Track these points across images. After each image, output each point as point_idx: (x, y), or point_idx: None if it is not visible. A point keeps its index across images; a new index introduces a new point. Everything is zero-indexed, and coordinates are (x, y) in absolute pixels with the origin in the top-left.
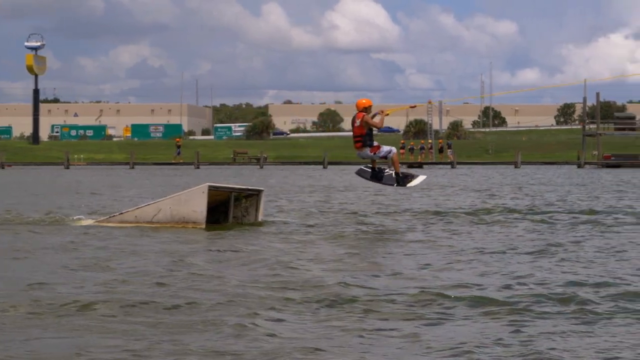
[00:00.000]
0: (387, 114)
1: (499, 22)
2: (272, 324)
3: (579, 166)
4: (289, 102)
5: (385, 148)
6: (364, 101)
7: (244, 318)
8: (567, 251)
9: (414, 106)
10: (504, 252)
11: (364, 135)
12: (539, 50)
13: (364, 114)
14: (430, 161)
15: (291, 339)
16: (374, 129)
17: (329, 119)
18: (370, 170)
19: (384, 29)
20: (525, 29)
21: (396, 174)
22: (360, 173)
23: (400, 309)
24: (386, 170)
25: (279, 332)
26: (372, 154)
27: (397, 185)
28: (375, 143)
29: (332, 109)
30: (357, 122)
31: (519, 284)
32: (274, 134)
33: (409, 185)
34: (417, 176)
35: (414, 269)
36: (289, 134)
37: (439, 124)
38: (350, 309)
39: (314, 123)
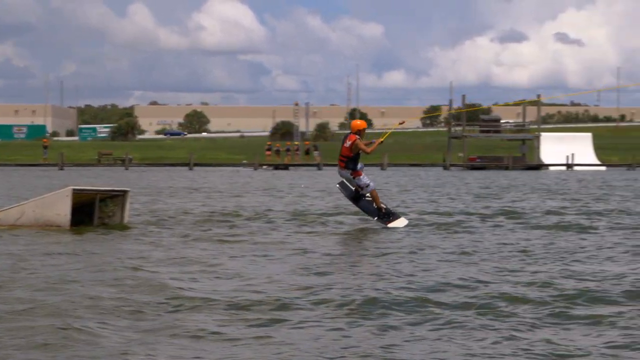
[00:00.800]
0: (381, 142)
1: (365, 25)
2: (93, 326)
3: (445, 168)
4: (155, 103)
5: (365, 180)
6: (358, 122)
7: (58, 319)
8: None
9: (403, 122)
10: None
11: (350, 158)
12: (405, 53)
13: (357, 137)
14: (296, 163)
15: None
16: (361, 153)
17: (195, 120)
18: (352, 189)
19: (251, 30)
20: (391, 32)
21: (378, 209)
22: (341, 187)
23: (219, 312)
24: (367, 196)
25: (98, 334)
26: (352, 177)
27: (376, 220)
28: (359, 167)
29: (199, 110)
30: (347, 143)
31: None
32: (170, 134)
33: (389, 225)
34: (400, 218)
35: (248, 271)
36: (186, 135)
37: (305, 125)
38: (187, 310)
39: (180, 124)
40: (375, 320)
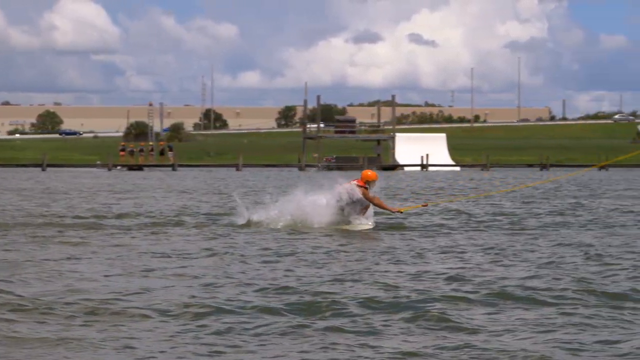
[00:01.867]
0: (401, 212)
1: (219, 25)
2: None
3: (300, 169)
4: (6, 103)
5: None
6: (369, 173)
7: None
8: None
9: (426, 205)
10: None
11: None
12: (260, 53)
13: (366, 190)
14: (151, 163)
15: None
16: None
17: (48, 121)
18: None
19: (104, 30)
20: (246, 32)
21: None
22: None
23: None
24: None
25: None
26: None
27: None
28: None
29: (52, 110)
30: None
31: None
32: (65, 133)
33: None
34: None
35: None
36: (81, 134)
37: (160, 126)
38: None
39: (32, 124)
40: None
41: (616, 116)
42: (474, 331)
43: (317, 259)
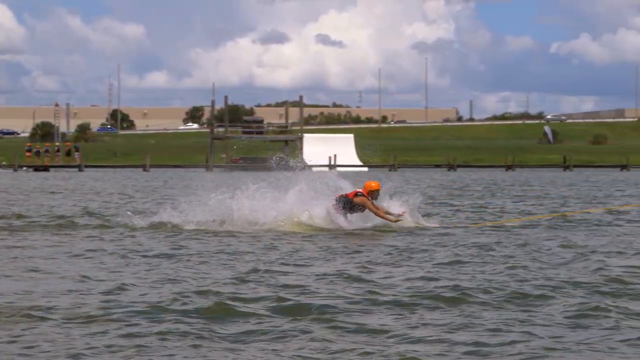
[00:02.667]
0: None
1: (126, 25)
2: None
3: (208, 169)
4: None
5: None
6: (373, 184)
7: None
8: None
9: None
10: None
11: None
12: (167, 54)
13: (370, 201)
14: (57, 164)
15: None
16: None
17: None
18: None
19: (9, 29)
20: (153, 33)
21: None
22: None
23: None
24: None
25: None
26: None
27: None
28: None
29: None
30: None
31: None
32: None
33: None
34: None
35: None
36: (19, 134)
37: (66, 126)
38: None
39: None
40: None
41: (548, 116)
42: (374, 332)
43: (219, 260)
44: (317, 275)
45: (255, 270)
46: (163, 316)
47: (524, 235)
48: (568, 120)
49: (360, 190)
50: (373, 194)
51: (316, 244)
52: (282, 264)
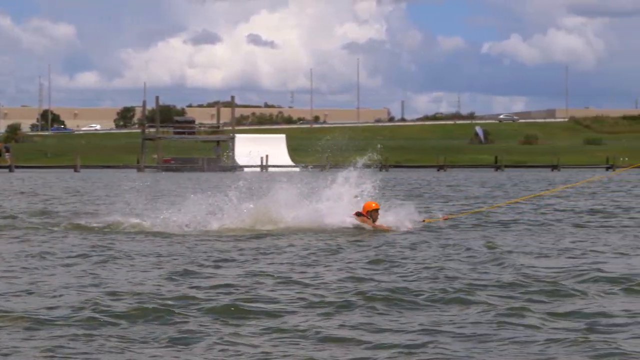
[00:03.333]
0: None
1: (56, 25)
2: None
3: (139, 170)
4: None
5: None
6: (373, 205)
7: None
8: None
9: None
10: None
11: None
12: (97, 54)
13: (370, 220)
14: None
15: None
16: None
17: None
18: None
19: None
20: (83, 33)
21: None
22: None
23: None
24: None
25: None
26: None
27: None
28: None
29: None
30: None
31: None
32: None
33: None
34: None
35: None
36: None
37: None
38: None
39: None
40: None
41: (501, 116)
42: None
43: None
44: (239, 275)
45: (180, 272)
46: (76, 316)
47: (450, 235)
48: (498, 121)
49: (360, 210)
50: (372, 214)
51: (246, 245)
52: (204, 265)
